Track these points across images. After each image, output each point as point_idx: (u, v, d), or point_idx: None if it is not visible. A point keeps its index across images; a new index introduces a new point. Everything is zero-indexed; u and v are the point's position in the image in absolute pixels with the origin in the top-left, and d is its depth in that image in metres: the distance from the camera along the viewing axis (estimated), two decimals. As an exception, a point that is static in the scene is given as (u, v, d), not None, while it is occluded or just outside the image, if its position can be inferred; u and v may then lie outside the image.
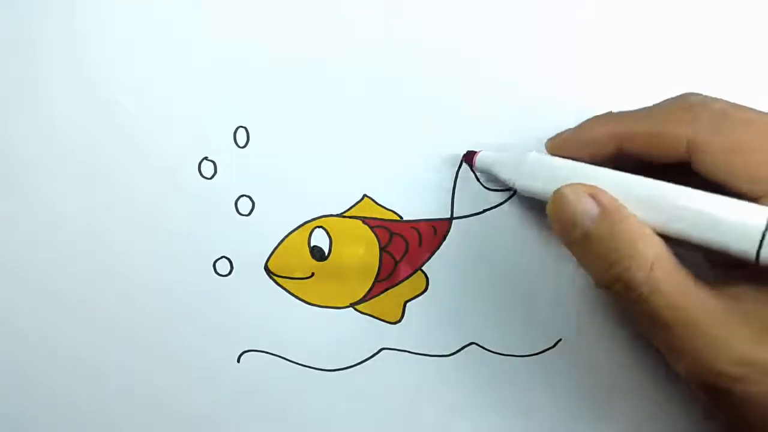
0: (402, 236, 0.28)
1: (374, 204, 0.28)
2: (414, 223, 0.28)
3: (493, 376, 0.28)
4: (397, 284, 0.28)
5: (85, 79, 0.27)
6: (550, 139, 0.25)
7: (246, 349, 0.28)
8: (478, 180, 0.27)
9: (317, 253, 0.28)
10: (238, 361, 0.29)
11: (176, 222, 0.28)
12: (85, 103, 0.27)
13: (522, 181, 0.24)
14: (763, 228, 0.19)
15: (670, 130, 0.22)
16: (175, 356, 0.28)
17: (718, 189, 0.21)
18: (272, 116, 0.28)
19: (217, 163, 0.28)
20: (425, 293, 0.28)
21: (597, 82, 0.27)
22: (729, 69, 0.27)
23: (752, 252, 0.20)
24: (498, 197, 0.27)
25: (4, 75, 0.27)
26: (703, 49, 0.27)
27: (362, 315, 0.28)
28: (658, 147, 0.22)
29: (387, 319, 0.28)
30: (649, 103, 0.24)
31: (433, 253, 0.28)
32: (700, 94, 0.23)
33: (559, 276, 0.28)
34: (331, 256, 0.28)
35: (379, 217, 0.28)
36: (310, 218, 0.28)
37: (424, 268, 0.28)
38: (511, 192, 0.27)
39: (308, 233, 0.28)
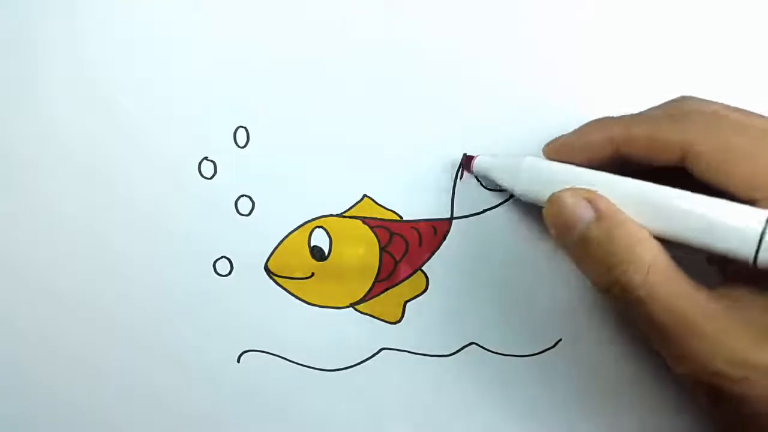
0: (402, 236, 0.28)
1: (374, 204, 0.28)
2: (414, 223, 0.28)
3: (493, 376, 0.28)
4: (397, 284, 0.28)
5: (85, 79, 0.27)
6: (548, 144, 0.25)
7: (246, 349, 0.28)
8: (478, 180, 0.27)
9: (317, 253, 0.28)
10: (238, 361, 0.29)
11: (176, 222, 0.28)
12: (85, 103, 0.27)
13: (520, 186, 0.25)
14: (760, 231, 0.19)
15: (665, 135, 0.22)
16: (175, 356, 0.28)
17: (715, 192, 0.21)
18: (272, 116, 0.28)
19: (217, 163, 0.28)
20: (425, 293, 0.28)
21: (597, 82, 0.27)
22: (729, 69, 0.27)
23: (750, 255, 0.20)
24: (498, 197, 0.27)
25: (4, 75, 0.27)
26: (703, 49, 0.27)
27: (362, 315, 0.28)
28: (655, 151, 0.22)
29: (387, 319, 0.28)
30: (650, 103, 0.24)
31: (433, 253, 0.28)
32: (696, 98, 0.23)
33: (559, 276, 0.28)
34: (331, 256, 0.28)
35: (379, 217, 0.28)
36: (310, 218, 0.28)
37: (424, 268, 0.28)
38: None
39: (308, 233, 0.28)
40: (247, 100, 0.27)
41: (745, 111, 0.22)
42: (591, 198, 0.22)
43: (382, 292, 0.28)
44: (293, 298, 0.28)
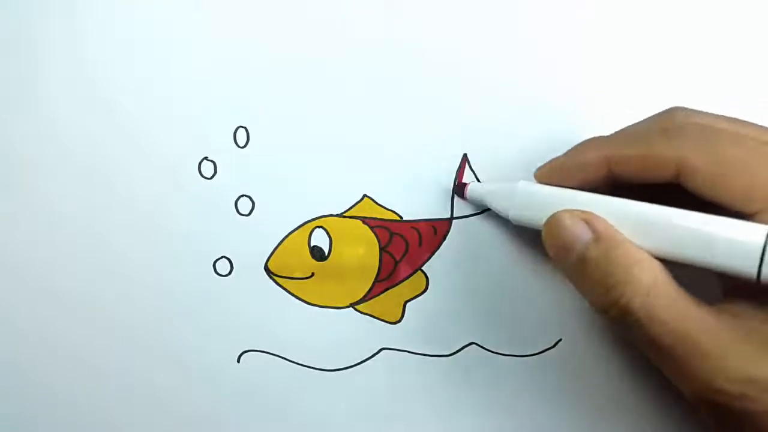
0: (402, 236, 0.28)
1: (374, 204, 0.28)
2: (414, 223, 0.28)
3: (493, 376, 0.28)
4: (397, 284, 0.28)
5: (85, 79, 0.27)
6: (539, 168, 0.25)
7: (246, 349, 0.28)
8: (478, 180, 0.27)
9: (317, 253, 0.28)
10: (238, 361, 0.29)
11: (176, 222, 0.28)
12: (85, 103, 0.27)
13: (514, 211, 0.24)
14: (761, 246, 0.19)
15: (657, 152, 0.21)
16: (175, 356, 0.28)
17: (711, 206, 0.21)
18: (272, 116, 0.28)
19: (217, 163, 0.28)
20: (425, 293, 0.28)
21: (597, 82, 0.27)
22: (728, 69, 0.27)
23: (753, 271, 0.19)
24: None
25: (4, 75, 0.27)
26: (702, 49, 0.27)
27: (362, 315, 0.28)
28: (648, 169, 0.22)
29: (387, 319, 0.28)
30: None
31: (433, 253, 0.28)
32: (687, 109, 0.22)
33: (559, 276, 0.28)
34: (331, 256, 0.28)
35: (379, 217, 0.28)
36: (310, 218, 0.28)
37: (424, 268, 0.28)
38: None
39: (308, 233, 0.28)
40: (247, 100, 0.27)
41: (739, 121, 0.21)
42: (588, 219, 0.22)
43: (382, 292, 0.28)
44: (293, 298, 0.28)
